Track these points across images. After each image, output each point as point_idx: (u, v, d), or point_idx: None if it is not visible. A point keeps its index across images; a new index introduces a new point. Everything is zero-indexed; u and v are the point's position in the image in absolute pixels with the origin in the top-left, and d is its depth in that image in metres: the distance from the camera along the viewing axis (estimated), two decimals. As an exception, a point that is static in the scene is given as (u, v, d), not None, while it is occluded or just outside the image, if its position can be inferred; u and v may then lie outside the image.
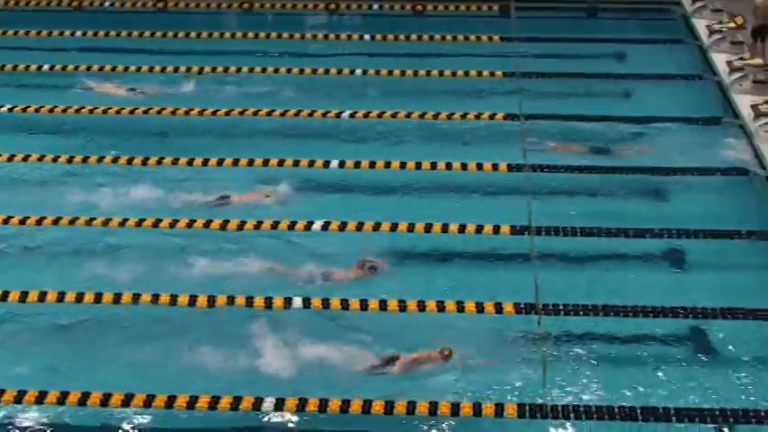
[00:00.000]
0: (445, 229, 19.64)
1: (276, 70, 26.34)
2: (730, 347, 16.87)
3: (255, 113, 24.13)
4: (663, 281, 18.71)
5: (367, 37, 28.64)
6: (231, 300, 17.72)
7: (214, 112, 24.15)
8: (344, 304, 17.56)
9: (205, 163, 21.98)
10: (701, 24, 28.08)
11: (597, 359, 16.66)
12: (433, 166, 21.81)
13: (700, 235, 19.45)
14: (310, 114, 24.08)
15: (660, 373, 16.31)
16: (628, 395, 15.79)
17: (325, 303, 17.60)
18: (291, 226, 19.67)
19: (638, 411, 15.18)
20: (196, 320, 17.38)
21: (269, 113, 24.10)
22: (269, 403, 15.35)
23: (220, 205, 20.66)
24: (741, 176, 21.65)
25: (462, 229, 19.62)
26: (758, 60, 25.16)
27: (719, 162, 22.05)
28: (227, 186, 21.18)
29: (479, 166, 21.77)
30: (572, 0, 31.02)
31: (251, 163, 21.95)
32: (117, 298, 17.73)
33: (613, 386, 16.04)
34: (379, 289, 18.09)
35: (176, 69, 26.41)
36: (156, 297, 17.68)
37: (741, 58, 25.48)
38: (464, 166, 21.75)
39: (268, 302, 17.64)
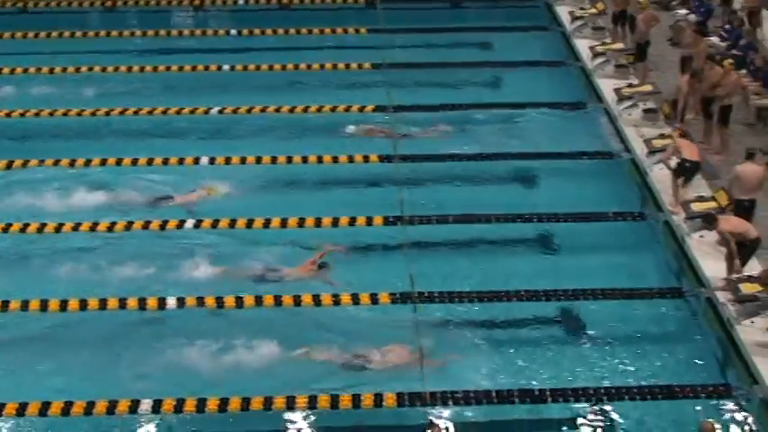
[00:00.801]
0: (318, 223, 19.64)
1: (142, 69, 25.99)
2: (600, 328, 17.17)
3: (122, 113, 23.81)
4: (534, 265, 18.96)
5: (233, 32, 28.44)
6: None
7: (80, 113, 23.78)
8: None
9: (72, 164, 21.68)
10: (563, 11, 28.53)
11: (473, 344, 16.81)
12: (305, 159, 21.78)
13: (568, 219, 19.78)
14: (178, 112, 23.82)
15: (536, 356, 16.52)
16: (503, 379, 15.96)
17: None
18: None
19: (516, 393, 15.42)
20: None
21: (136, 112, 23.81)
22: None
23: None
24: (606, 160, 22.04)
25: (336, 222, 19.63)
26: (619, 45, 25.66)
27: (586, 146, 22.42)
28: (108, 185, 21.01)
29: (351, 159, 21.81)
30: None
31: (119, 162, 21.70)
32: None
33: (490, 370, 16.22)
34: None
35: (39, 70, 25.91)
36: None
37: (603, 44, 25.95)
38: (335, 159, 21.77)
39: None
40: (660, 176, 20.49)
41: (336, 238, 19.20)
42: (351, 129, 23.24)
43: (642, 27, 24.60)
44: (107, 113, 23.76)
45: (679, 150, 19.39)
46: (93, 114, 23.78)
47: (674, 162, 19.50)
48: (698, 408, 15.25)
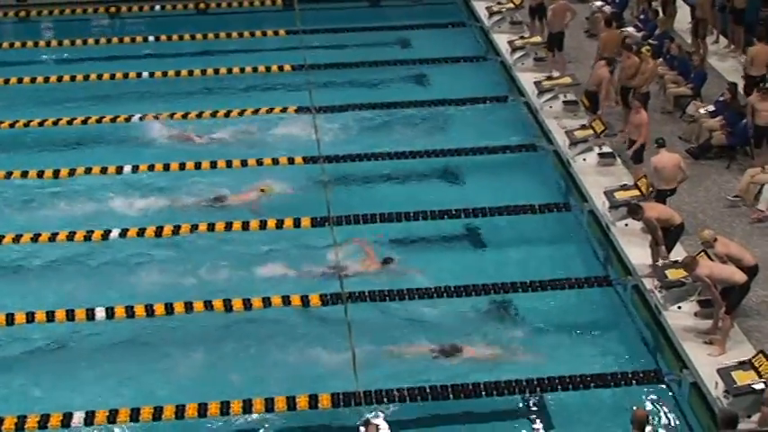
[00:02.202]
0: (245, 226, 19.56)
1: (60, 78, 25.66)
2: (530, 319, 17.31)
3: (41, 124, 23.51)
4: (463, 260, 19.06)
5: (151, 38, 28.18)
6: None
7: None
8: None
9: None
10: (480, 7, 28.67)
11: (401, 342, 16.87)
12: (228, 164, 21.65)
13: (495, 212, 19.89)
14: (99, 120, 23.57)
15: (472, 352, 16.56)
16: (434, 377, 15.97)
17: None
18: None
19: (449, 389, 15.49)
20: None
21: (55, 122, 23.51)
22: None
23: None
24: (530, 152, 22.22)
25: (263, 225, 19.55)
26: (537, 38, 25.83)
27: (509, 140, 22.57)
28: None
29: (275, 161, 21.75)
30: (354, -11, 31.32)
31: (41, 175, 21.41)
32: None
33: (422, 368, 16.27)
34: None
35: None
36: None
37: (521, 38, 26.13)
38: (259, 162, 21.68)
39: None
40: (582, 167, 20.73)
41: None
42: (157, 131, 23.18)
43: (552, 16, 24.80)
44: (26, 125, 23.48)
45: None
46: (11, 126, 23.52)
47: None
48: (630, 395, 15.42)
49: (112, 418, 15.16)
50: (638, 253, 17.80)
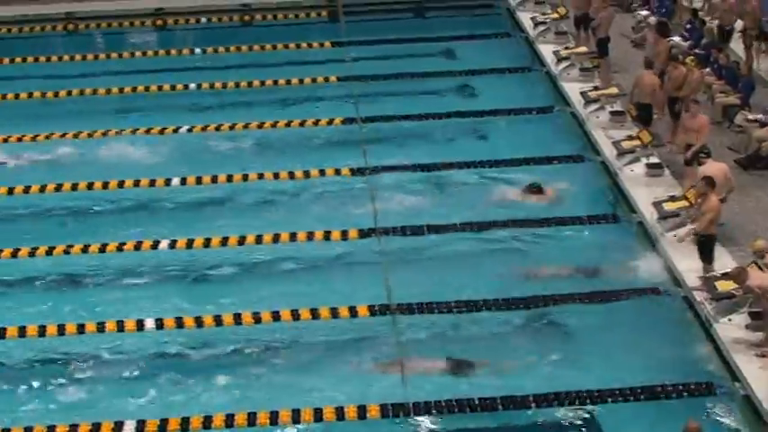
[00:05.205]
0: (293, 237, 19.62)
1: (108, 91, 25.88)
2: (582, 331, 17.22)
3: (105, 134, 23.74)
4: (510, 271, 18.96)
5: (198, 51, 28.38)
6: None
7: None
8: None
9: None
10: (525, 17, 28.67)
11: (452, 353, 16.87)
12: (276, 176, 21.76)
13: (543, 224, 19.88)
14: (147, 131, 23.74)
15: (519, 364, 16.51)
16: (482, 388, 15.93)
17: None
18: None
19: (498, 401, 15.46)
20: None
21: (120, 132, 23.70)
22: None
23: None
24: (576, 163, 22.16)
25: (311, 236, 19.62)
26: (583, 48, 25.80)
27: (555, 151, 22.51)
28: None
29: (322, 173, 21.82)
30: (399, 1, 31.33)
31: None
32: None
33: (469, 379, 16.23)
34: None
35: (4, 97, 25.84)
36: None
37: (567, 48, 26.10)
38: (306, 174, 21.76)
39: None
40: (630, 178, 20.65)
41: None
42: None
43: (600, 23, 24.79)
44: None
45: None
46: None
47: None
48: (682, 407, 15.32)
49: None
50: (687, 264, 17.71)
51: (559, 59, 25.60)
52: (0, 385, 16.44)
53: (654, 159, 21.03)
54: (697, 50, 24.37)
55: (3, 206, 21.21)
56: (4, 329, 17.32)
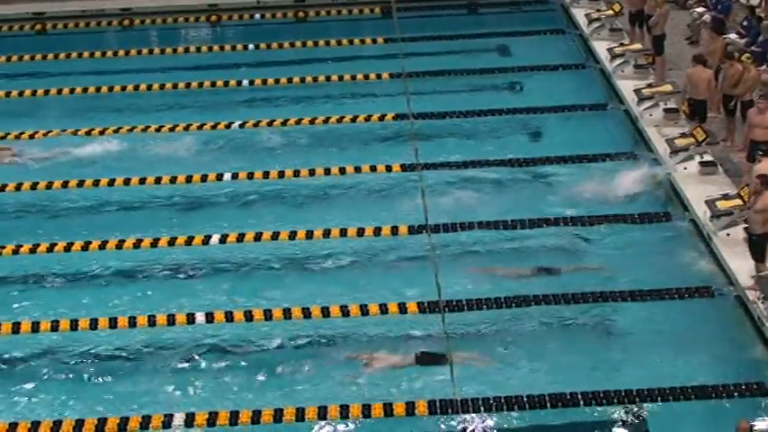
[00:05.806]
0: (344, 233, 19.66)
1: (162, 86, 26.07)
2: (633, 329, 17.12)
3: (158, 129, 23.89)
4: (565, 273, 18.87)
5: (251, 47, 28.50)
6: None
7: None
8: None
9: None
10: (579, 14, 28.48)
11: (504, 349, 16.82)
12: (327, 171, 21.84)
13: (594, 222, 19.77)
14: (200, 128, 23.88)
15: (570, 359, 16.50)
16: (531, 386, 15.88)
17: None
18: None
19: (547, 399, 15.45)
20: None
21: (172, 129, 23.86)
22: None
23: None
24: (630, 161, 21.99)
25: (361, 232, 19.66)
26: (638, 45, 25.59)
27: (608, 148, 22.35)
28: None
29: (373, 168, 21.83)
30: (452, -3, 31.32)
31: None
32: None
33: (519, 377, 16.20)
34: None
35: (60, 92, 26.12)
36: None
37: (621, 44, 25.90)
38: (357, 169, 21.79)
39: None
40: (683, 176, 20.46)
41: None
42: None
43: (656, 20, 24.59)
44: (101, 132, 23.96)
45: None
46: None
47: None
48: (733, 407, 15.18)
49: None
50: (740, 263, 17.53)
51: (613, 56, 25.40)
52: (58, 376, 16.71)
53: (708, 157, 20.82)
54: (753, 48, 24.07)
55: (58, 199, 21.45)
56: (57, 322, 17.55)
